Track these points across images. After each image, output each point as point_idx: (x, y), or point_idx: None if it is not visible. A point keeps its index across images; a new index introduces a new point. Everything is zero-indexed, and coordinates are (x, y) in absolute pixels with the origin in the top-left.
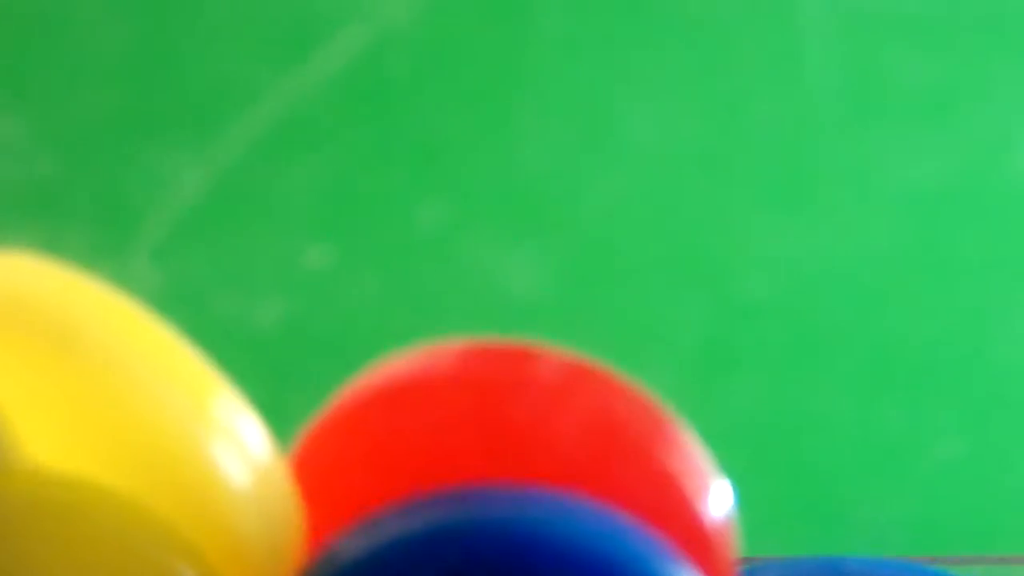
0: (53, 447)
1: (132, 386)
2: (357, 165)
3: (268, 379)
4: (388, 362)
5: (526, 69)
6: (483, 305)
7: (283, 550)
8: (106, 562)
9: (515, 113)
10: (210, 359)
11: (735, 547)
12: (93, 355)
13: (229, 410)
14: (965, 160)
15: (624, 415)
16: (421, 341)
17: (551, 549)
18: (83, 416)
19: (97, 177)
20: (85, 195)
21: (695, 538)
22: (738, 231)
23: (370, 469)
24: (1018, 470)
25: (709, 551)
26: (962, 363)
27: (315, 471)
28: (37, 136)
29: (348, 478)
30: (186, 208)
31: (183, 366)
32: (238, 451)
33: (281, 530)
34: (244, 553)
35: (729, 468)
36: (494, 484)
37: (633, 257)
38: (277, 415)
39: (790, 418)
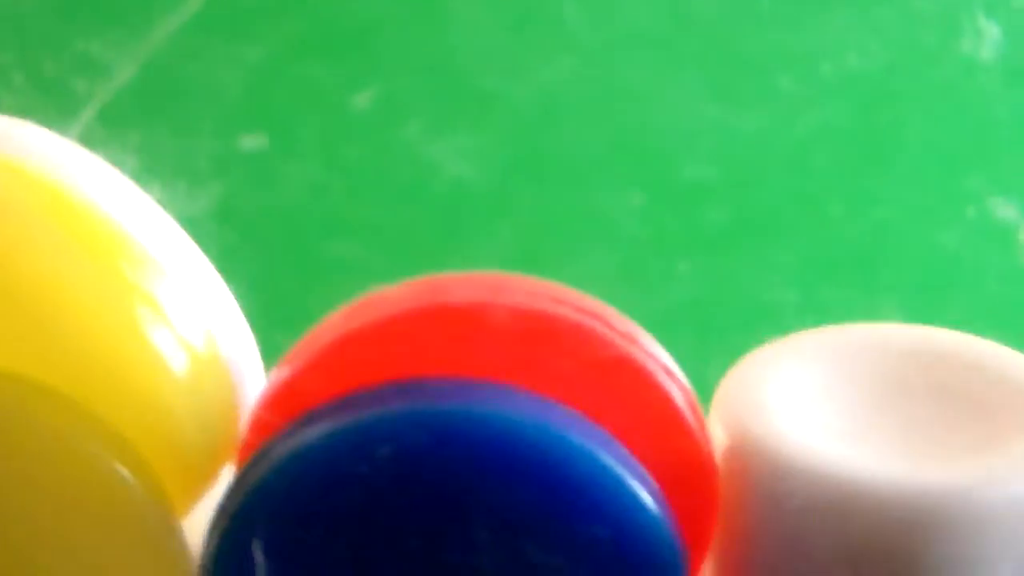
0: None
1: (60, 268)
2: (290, 51)
3: None
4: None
5: None
6: (419, 190)
7: (221, 444)
8: (34, 458)
9: None
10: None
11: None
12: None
13: (165, 294)
14: (909, 45)
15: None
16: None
17: (490, 438)
18: (7, 304)
19: (27, 66)
20: (15, 83)
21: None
22: (678, 115)
23: (308, 361)
24: None
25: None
26: (905, 249)
27: None
28: None
29: (284, 369)
30: (118, 95)
31: (115, 247)
32: (174, 339)
33: (219, 424)
34: (181, 447)
35: (671, 355)
36: (430, 375)
37: (571, 142)
38: None
39: (733, 304)
